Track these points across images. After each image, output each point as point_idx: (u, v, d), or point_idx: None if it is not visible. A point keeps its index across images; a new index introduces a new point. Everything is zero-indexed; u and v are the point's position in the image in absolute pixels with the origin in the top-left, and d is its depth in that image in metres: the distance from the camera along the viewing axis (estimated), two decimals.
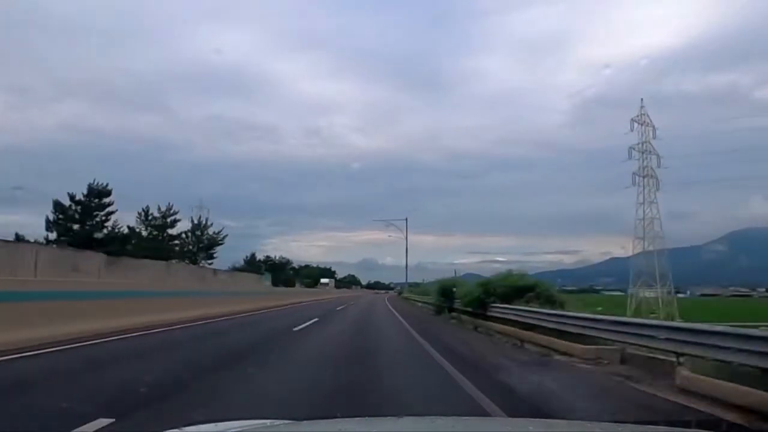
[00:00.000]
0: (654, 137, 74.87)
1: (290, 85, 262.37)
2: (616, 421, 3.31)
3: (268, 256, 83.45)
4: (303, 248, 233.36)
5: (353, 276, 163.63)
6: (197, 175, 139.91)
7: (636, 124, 74.68)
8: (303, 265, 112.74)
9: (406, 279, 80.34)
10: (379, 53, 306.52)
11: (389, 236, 76.92)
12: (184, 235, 51.35)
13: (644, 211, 73.38)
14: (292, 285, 78.64)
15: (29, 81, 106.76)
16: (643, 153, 74.79)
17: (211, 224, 53.50)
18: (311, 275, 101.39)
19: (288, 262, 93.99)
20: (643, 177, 74.80)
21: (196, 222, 52.75)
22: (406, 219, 75.41)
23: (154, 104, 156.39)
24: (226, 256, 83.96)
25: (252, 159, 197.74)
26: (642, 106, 75.92)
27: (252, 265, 76.44)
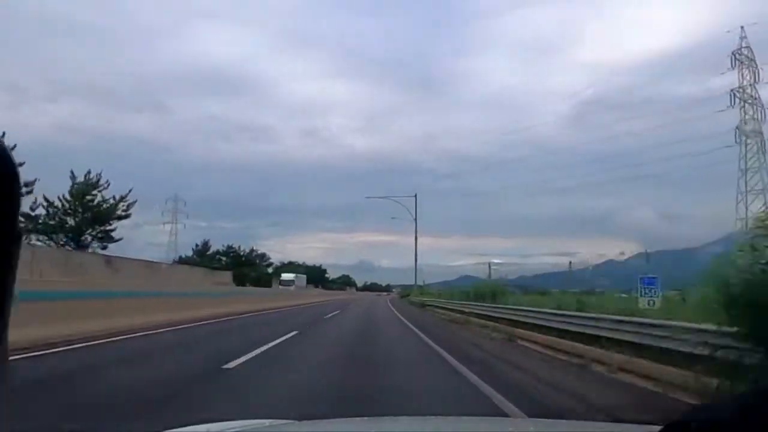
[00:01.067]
0: (758, 80, 54.54)
1: (288, 85, 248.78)
2: (616, 421, 3.36)
3: (230, 246, 62.69)
4: (299, 249, 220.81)
5: (348, 276, 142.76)
6: (193, 175, 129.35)
7: (735, 61, 54.44)
8: (286, 262, 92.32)
9: (416, 277, 59.31)
10: (377, 54, 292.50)
11: (392, 218, 56.42)
12: (53, 201, 30.77)
13: (746, 182, 53.19)
14: (269, 285, 58.20)
15: (23, 80, 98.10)
16: (745, 102, 54.46)
17: (108, 184, 32.85)
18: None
19: (262, 257, 73.33)
20: (745, 136, 54.44)
21: (81, 181, 32.15)
22: (415, 195, 54.71)
23: (150, 104, 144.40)
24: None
25: (248, 159, 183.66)
26: (743, 37, 55.33)
27: (203, 257, 56.11)
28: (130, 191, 33.90)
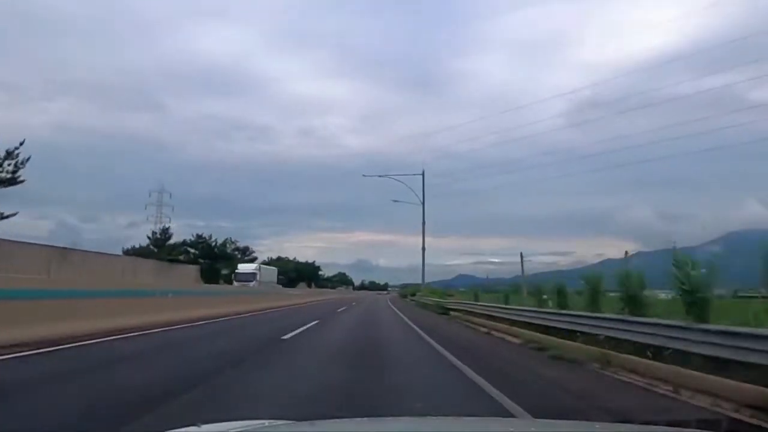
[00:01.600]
0: None
1: (285, 84, 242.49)
2: (615, 421, 3.49)
3: (200, 236, 51.83)
4: (297, 249, 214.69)
5: (344, 274, 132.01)
6: (190, 175, 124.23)
7: None
8: (274, 258, 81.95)
9: (423, 275, 48.39)
10: (376, 54, 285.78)
11: (394, 202, 46.00)
12: None
13: None
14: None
15: (19, 78, 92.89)
16: None
17: None
18: (284, 271, 70.29)
19: (245, 251, 62.67)
20: None
21: None
22: (423, 173, 44.03)
23: (147, 103, 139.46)
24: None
25: (246, 159, 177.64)
26: None
27: (162, 249, 45.23)
28: (21, 143, 23.41)
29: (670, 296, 8.71)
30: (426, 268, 42.61)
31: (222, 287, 32.77)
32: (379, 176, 43.76)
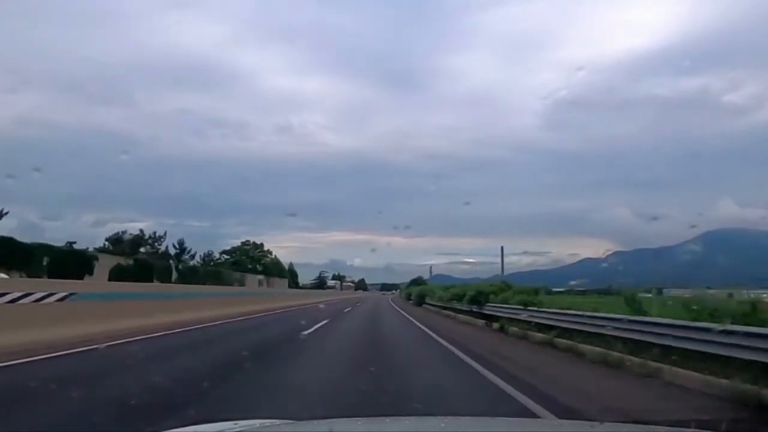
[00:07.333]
0: None
1: (261, 80, 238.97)
2: (616, 421, 3.47)
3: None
4: (271, 249, 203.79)
5: (288, 265, 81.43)
6: (161, 172, 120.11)
7: None
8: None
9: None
10: (353, 50, 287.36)
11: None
12: None
13: None
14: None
15: None
16: None
17: None
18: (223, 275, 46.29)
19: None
20: None
21: None
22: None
23: (117, 97, 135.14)
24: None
25: (219, 156, 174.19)
26: None
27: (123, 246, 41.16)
28: None
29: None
30: (401, 268, 41.48)
31: None
32: None
